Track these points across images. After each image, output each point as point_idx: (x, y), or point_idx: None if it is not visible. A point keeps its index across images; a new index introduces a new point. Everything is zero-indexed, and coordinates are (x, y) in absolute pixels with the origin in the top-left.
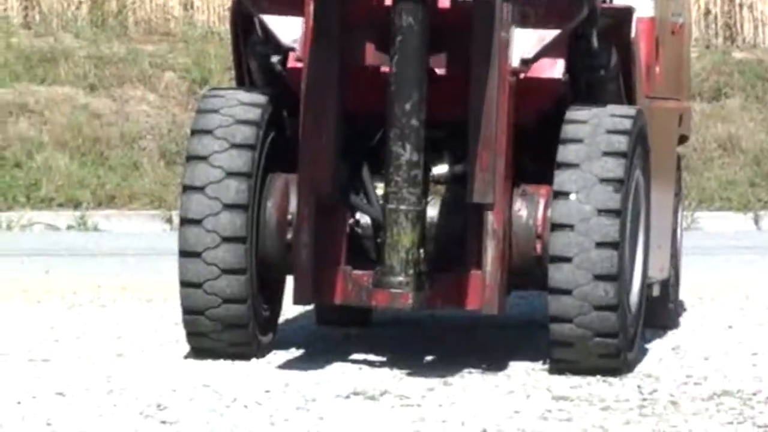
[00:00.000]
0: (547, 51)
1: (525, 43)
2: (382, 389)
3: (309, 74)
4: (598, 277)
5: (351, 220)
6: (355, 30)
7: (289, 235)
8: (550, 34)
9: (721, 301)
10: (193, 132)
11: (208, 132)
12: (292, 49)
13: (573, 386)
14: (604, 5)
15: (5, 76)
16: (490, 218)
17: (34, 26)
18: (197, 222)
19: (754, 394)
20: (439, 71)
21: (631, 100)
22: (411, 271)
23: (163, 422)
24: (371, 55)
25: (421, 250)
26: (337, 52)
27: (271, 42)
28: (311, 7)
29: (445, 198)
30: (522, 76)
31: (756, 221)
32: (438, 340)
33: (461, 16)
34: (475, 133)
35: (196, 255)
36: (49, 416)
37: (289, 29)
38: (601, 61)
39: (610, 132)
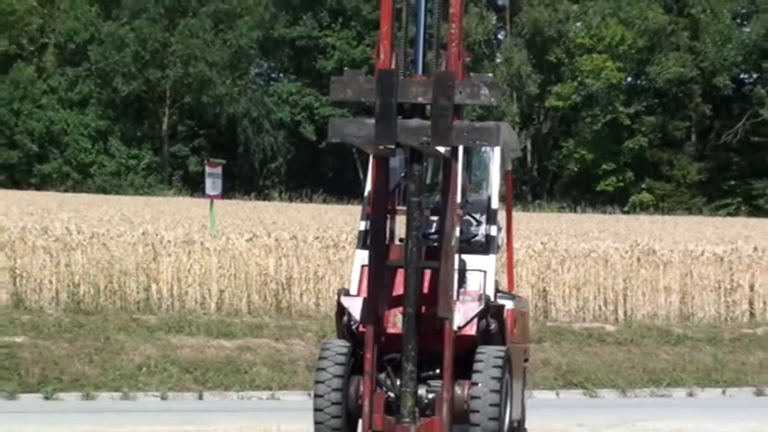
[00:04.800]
0: (468, 322)
1: (458, 317)
2: None
3: (366, 334)
4: (491, 418)
5: (388, 395)
6: (386, 314)
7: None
8: (469, 315)
9: None
10: (319, 359)
11: (325, 358)
12: (360, 322)
13: None
14: (492, 302)
15: None
16: (445, 395)
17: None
18: (320, 396)
19: None
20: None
21: (505, 343)
22: (413, 417)
23: None
24: (393, 325)
25: (416, 409)
26: (378, 322)
27: (351, 318)
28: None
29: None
30: (457, 333)
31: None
32: None
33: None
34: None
35: (320, 397)
36: None
37: (358, 311)
38: (492, 327)
39: (495, 357)
